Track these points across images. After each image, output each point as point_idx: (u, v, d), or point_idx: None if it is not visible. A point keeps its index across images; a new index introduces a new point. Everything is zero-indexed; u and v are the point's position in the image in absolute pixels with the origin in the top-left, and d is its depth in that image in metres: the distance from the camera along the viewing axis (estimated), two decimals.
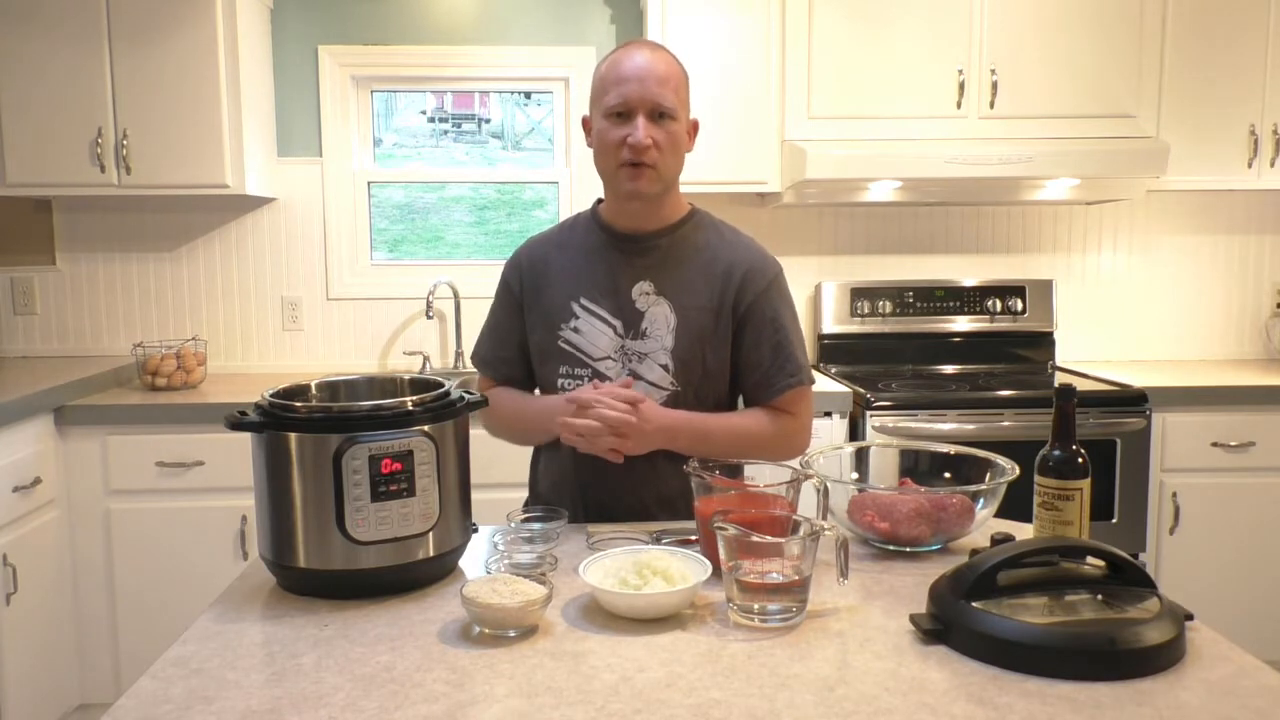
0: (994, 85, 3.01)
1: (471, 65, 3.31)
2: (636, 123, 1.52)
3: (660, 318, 1.60)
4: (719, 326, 1.60)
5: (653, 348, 1.59)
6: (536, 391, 1.71)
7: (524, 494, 1.79)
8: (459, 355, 3.34)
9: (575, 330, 1.62)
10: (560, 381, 1.63)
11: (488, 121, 3.68)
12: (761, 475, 1.39)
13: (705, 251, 1.63)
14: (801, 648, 1.09)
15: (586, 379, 1.60)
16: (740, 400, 1.69)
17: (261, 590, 1.28)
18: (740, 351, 1.62)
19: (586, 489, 1.62)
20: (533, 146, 3.62)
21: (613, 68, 1.55)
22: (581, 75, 3.33)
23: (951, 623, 1.08)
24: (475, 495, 1.37)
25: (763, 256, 1.65)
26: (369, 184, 3.39)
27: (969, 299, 3.37)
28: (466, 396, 1.36)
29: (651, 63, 1.54)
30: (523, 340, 1.70)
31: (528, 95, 3.59)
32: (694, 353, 1.59)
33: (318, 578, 1.24)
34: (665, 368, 1.59)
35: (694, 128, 1.63)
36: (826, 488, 1.42)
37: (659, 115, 1.53)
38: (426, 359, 3.32)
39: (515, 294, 1.70)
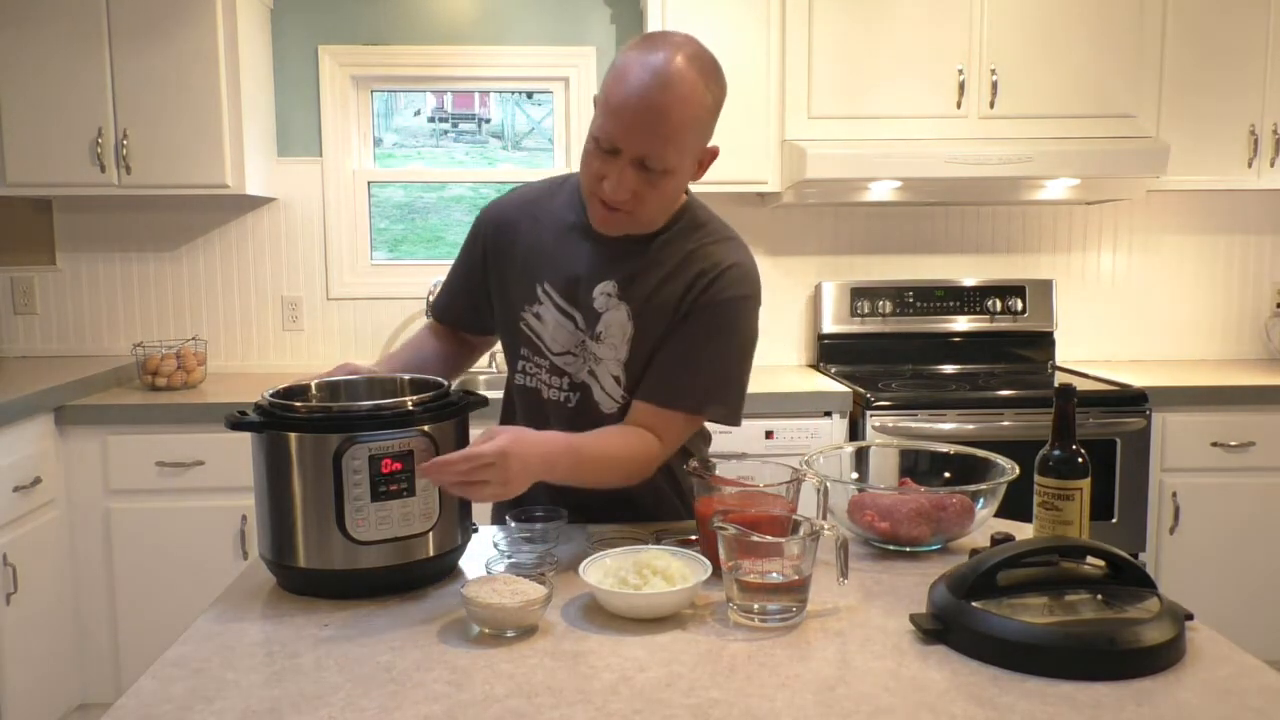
0: (994, 85, 3.01)
1: (471, 65, 3.31)
2: (618, 168, 1.32)
3: (616, 325, 1.45)
4: None
5: (607, 354, 1.46)
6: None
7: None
8: None
9: (537, 316, 1.51)
10: (519, 363, 1.56)
11: (488, 121, 3.68)
12: (761, 475, 1.39)
13: (680, 257, 1.44)
14: (801, 648, 1.09)
15: (545, 370, 1.51)
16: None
17: (261, 590, 1.28)
18: (659, 346, 1.44)
19: (558, 490, 1.51)
20: (533, 146, 3.62)
21: (618, 82, 1.31)
22: (581, 75, 3.33)
23: (951, 623, 1.08)
24: None
25: (740, 271, 1.44)
26: (369, 184, 3.40)
27: (969, 299, 3.37)
28: (467, 396, 1.36)
29: (659, 105, 1.29)
30: (472, 295, 1.61)
31: (530, 95, 3.59)
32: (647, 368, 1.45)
33: (318, 578, 1.24)
34: (617, 380, 1.46)
35: (710, 156, 1.42)
36: (826, 488, 1.42)
37: (646, 167, 1.33)
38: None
39: (478, 253, 1.59)
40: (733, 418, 1.46)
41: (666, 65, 1.30)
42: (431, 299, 3.22)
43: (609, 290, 1.45)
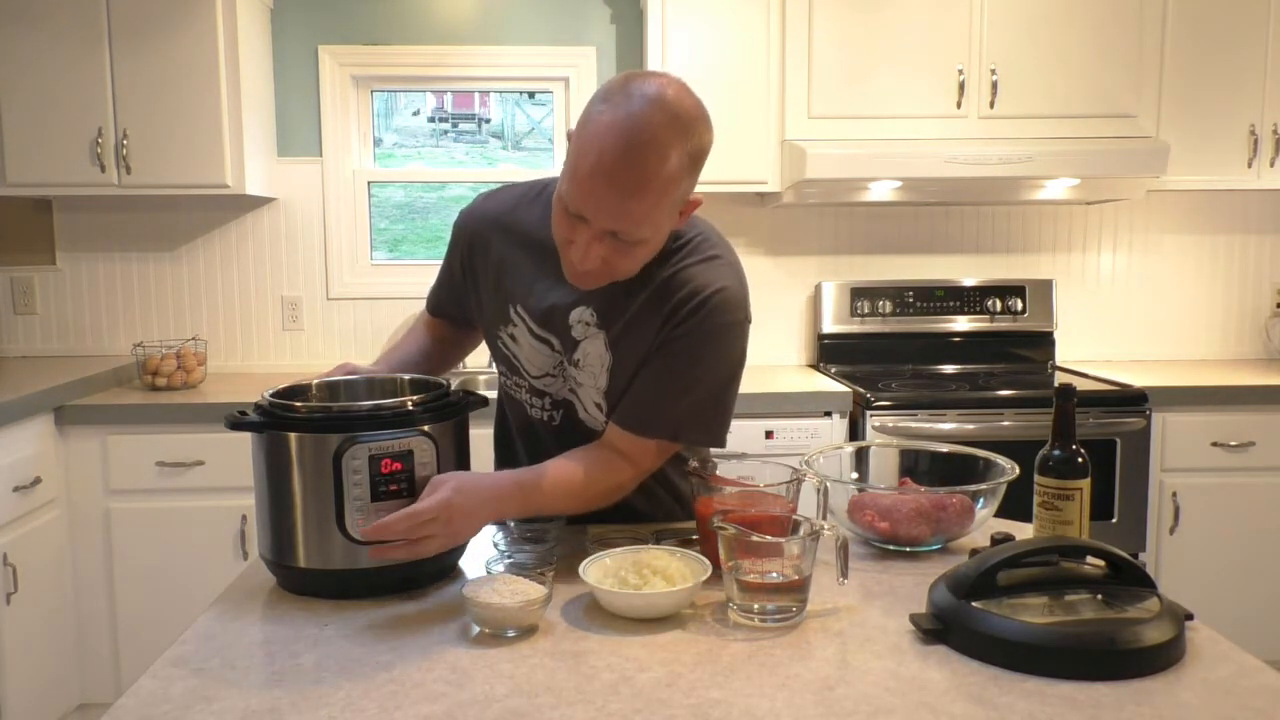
0: (994, 85, 3.01)
1: (471, 65, 3.31)
2: (586, 237, 1.24)
3: (594, 354, 1.39)
4: None
5: (587, 382, 1.41)
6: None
7: None
8: None
9: (512, 338, 1.47)
10: (502, 380, 1.55)
11: (488, 121, 3.68)
12: (761, 475, 1.39)
13: (657, 283, 1.35)
14: (801, 648, 1.09)
15: (525, 390, 1.49)
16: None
17: (261, 590, 1.28)
18: (642, 368, 1.37)
19: None
20: (533, 146, 3.62)
21: (586, 152, 1.20)
22: (581, 75, 3.32)
23: (951, 623, 1.08)
24: None
25: (726, 297, 1.34)
26: (369, 184, 3.40)
27: (969, 299, 3.37)
28: (467, 396, 1.36)
29: (630, 183, 1.19)
30: (458, 293, 1.57)
31: (531, 95, 3.59)
32: None
33: (318, 578, 1.24)
34: (599, 407, 1.42)
35: (690, 208, 1.32)
36: (826, 488, 1.42)
37: (617, 238, 1.25)
38: None
39: (457, 263, 1.54)
40: (715, 440, 1.40)
41: (640, 135, 1.18)
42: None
43: (586, 318, 1.38)
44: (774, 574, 1.14)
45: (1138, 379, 2.99)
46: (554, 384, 1.45)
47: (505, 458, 1.65)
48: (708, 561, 1.22)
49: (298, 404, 1.27)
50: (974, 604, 1.07)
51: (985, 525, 1.43)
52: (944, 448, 1.56)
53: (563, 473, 1.34)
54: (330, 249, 3.34)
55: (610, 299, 1.37)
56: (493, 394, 1.61)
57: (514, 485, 1.31)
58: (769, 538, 1.15)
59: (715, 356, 1.36)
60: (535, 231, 1.42)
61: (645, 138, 1.18)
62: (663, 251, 1.35)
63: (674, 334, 1.34)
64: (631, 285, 1.35)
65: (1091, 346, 3.50)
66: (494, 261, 1.47)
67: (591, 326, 1.38)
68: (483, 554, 1.38)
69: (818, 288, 3.38)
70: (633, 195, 1.20)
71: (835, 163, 2.92)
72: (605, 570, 1.22)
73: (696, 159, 1.26)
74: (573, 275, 1.32)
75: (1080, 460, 1.27)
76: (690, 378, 1.35)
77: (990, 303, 3.36)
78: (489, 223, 1.50)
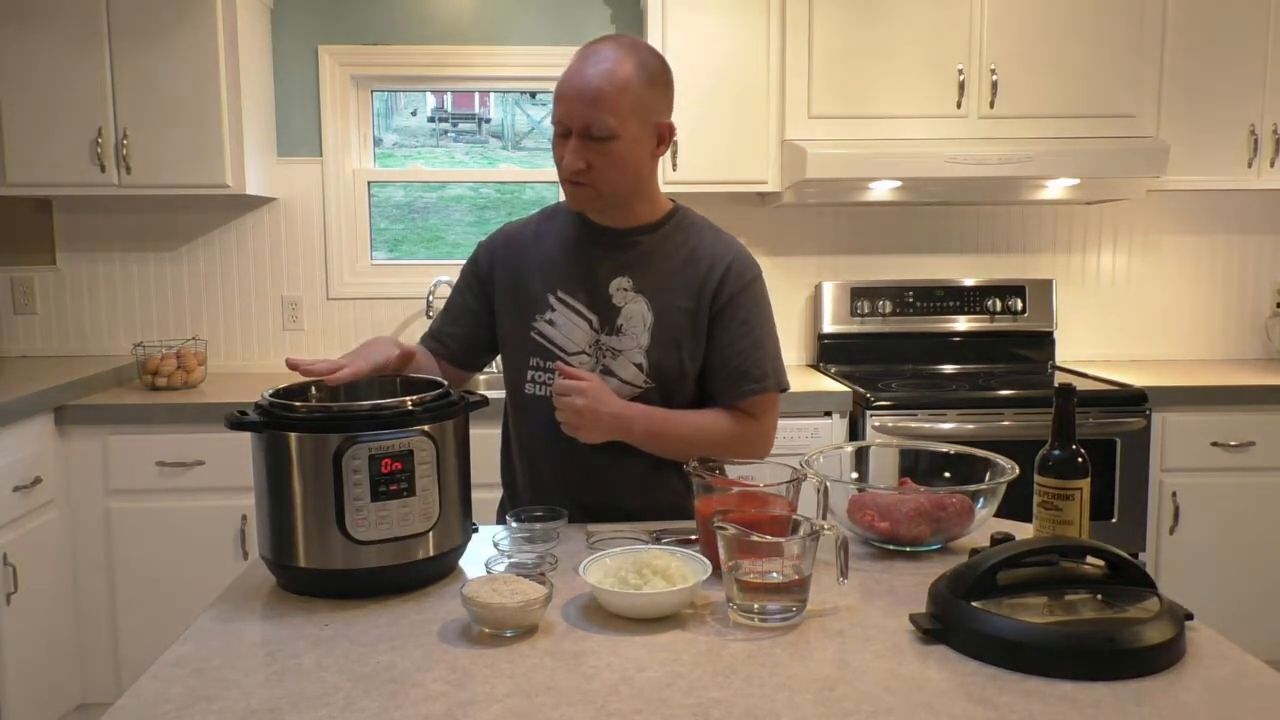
0: (994, 85, 3.01)
1: (471, 65, 3.31)
2: (572, 145, 1.48)
3: (637, 315, 1.57)
4: (695, 328, 1.57)
5: (628, 345, 1.57)
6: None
7: None
8: None
9: (550, 323, 1.60)
10: (529, 373, 1.61)
11: (488, 121, 3.68)
12: (761, 475, 1.39)
13: (686, 251, 1.59)
14: (801, 648, 1.09)
15: (557, 373, 1.56)
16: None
17: (261, 590, 1.28)
18: (710, 351, 1.59)
19: (562, 492, 1.58)
20: (533, 146, 3.62)
21: (562, 78, 1.50)
22: None
23: (951, 622, 1.08)
24: (475, 495, 1.37)
25: (743, 258, 1.61)
26: (369, 184, 3.40)
27: (969, 299, 3.37)
28: (466, 396, 1.36)
29: (589, 79, 1.46)
30: (475, 323, 1.68)
31: (532, 95, 3.59)
32: (670, 354, 1.56)
33: (318, 577, 1.24)
34: (639, 366, 1.56)
35: (667, 132, 1.55)
36: (826, 488, 1.42)
37: (592, 136, 1.47)
38: None
39: (483, 276, 1.68)
40: (785, 375, 1.63)
41: (596, 52, 1.49)
42: (429, 311, 3.22)
43: (625, 285, 1.58)
44: (774, 574, 1.14)
45: (1138, 379, 2.99)
46: (588, 362, 1.58)
47: (511, 482, 1.70)
48: (708, 561, 1.22)
49: (297, 404, 1.27)
50: (974, 604, 1.07)
51: (985, 525, 1.42)
52: (944, 448, 1.56)
53: (692, 416, 1.57)
54: (330, 249, 3.34)
55: (642, 267, 1.58)
56: (494, 394, 1.61)
57: (642, 412, 1.53)
58: (769, 538, 1.15)
59: (760, 309, 1.61)
60: (564, 232, 1.64)
61: (599, 54, 1.49)
62: (677, 224, 1.61)
63: (725, 303, 1.57)
64: (658, 252, 1.59)
65: (1091, 346, 3.51)
66: (531, 258, 1.64)
67: (630, 292, 1.58)
68: (483, 554, 1.38)
69: (818, 288, 3.38)
70: (593, 90, 1.46)
71: (835, 163, 2.92)
72: (605, 570, 1.22)
73: (650, 79, 1.50)
74: (570, 196, 1.55)
75: (1080, 460, 1.27)
76: (758, 333, 1.59)
77: (990, 303, 3.36)
78: (521, 234, 1.68)
